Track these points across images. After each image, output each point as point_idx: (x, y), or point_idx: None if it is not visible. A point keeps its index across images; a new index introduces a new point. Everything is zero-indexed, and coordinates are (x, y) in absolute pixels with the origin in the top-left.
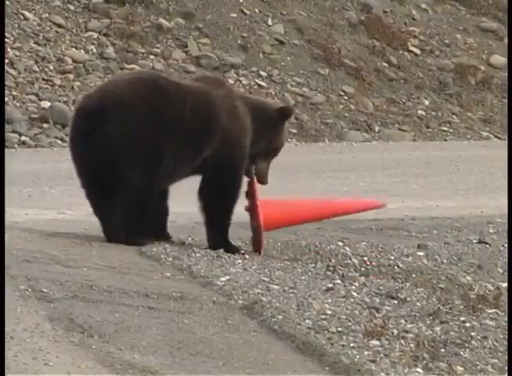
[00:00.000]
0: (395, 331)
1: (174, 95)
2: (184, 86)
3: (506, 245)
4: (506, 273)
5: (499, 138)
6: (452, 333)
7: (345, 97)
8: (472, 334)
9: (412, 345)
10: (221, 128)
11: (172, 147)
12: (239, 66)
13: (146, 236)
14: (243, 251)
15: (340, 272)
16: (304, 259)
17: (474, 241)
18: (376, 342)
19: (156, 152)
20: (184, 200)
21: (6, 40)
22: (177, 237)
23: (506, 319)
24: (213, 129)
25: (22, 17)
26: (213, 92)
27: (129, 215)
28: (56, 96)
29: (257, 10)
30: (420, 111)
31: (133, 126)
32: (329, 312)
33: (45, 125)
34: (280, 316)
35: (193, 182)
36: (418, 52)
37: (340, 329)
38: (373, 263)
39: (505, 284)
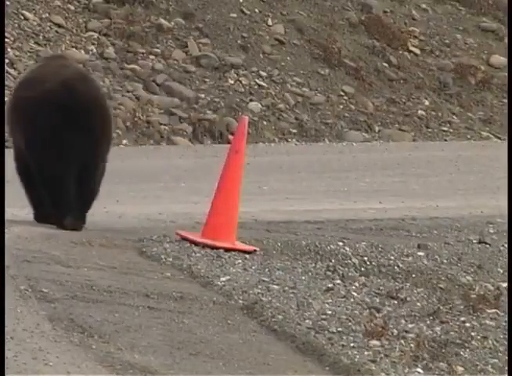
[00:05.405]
0: (395, 331)
1: None
2: None
3: (506, 245)
4: (506, 273)
5: (499, 138)
6: (452, 333)
7: (345, 97)
8: (472, 334)
9: (412, 345)
10: None
11: None
12: (239, 66)
13: None
14: None
15: (340, 272)
16: (304, 259)
17: (474, 241)
18: (377, 342)
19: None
20: (184, 201)
21: (6, 40)
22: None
23: (506, 319)
24: None
25: (22, 17)
26: None
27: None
28: None
29: (257, 10)
30: (420, 111)
31: (108, 122)
32: (329, 312)
33: None
34: (280, 316)
35: (193, 182)
36: (418, 52)
37: (340, 329)
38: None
39: (505, 284)
